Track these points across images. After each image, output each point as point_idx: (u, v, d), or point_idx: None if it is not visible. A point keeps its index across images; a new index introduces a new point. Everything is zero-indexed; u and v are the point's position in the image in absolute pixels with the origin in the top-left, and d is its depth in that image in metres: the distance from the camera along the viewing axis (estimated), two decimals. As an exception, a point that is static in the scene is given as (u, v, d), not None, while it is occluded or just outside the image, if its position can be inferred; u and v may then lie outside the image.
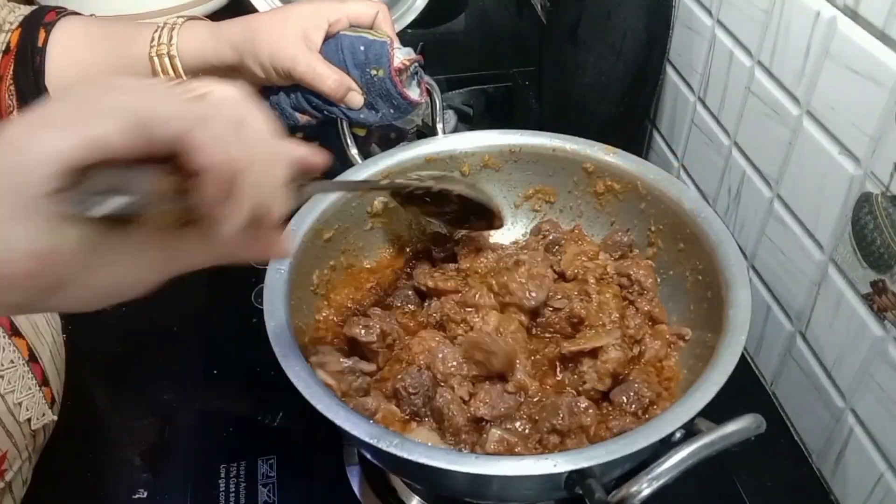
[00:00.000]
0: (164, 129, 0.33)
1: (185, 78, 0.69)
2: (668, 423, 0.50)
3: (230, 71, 0.70)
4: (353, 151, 0.77)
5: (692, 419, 0.50)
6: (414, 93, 0.74)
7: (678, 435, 0.50)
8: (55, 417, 0.64)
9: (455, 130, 0.99)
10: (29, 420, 0.60)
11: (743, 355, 0.55)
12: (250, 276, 0.83)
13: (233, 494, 0.66)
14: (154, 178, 0.33)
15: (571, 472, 0.48)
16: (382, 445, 0.49)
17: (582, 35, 0.95)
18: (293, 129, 0.75)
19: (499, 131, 0.78)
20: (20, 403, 0.59)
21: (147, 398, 0.71)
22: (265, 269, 0.63)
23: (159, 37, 0.69)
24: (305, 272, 0.67)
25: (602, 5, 0.89)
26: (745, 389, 0.75)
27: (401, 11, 1.28)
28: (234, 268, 0.87)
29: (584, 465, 0.48)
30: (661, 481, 0.47)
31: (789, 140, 0.67)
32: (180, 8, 1.33)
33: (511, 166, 0.78)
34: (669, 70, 0.88)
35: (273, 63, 0.68)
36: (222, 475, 0.67)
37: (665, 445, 0.49)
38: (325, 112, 0.72)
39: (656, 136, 0.95)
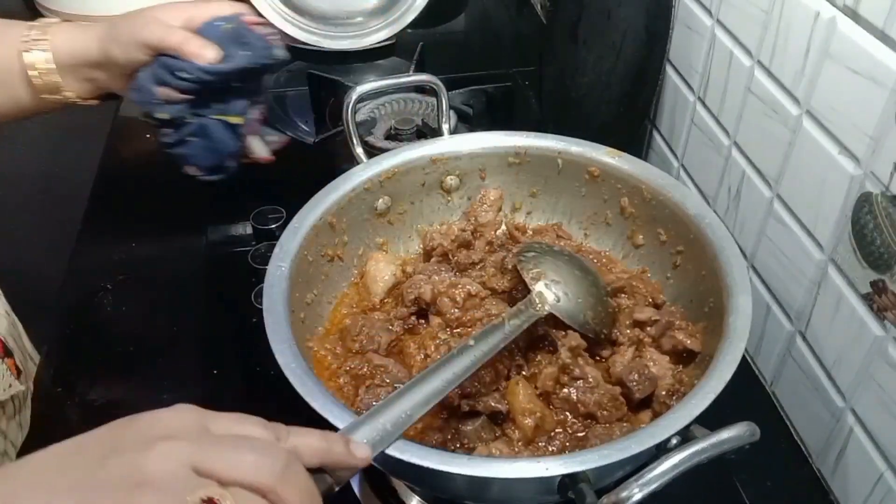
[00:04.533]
0: None
1: (56, 74, 0.70)
2: (663, 429, 0.50)
3: (97, 67, 0.71)
4: (359, 150, 0.77)
5: (687, 426, 0.50)
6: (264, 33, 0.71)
7: (673, 441, 0.50)
8: (22, 387, 0.65)
9: (455, 130, 0.99)
10: None
11: (743, 355, 0.54)
12: (250, 276, 0.82)
13: (233, 494, 0.66)
14: None
15: (564, 476, 0.48)
16: None
17: (582, 35, 0.95)
18: (154, 107, 0.70)
19: (504, 133, 0.78)
20: None
21: (147, 398, 0.71)
22: (265, 269, 0.63)
23: (30, 34, 0.70)
24: (306, 275, 0.67)
25: (602, 5, 0.89)
26: (745, 389, 0.75)
27: (401, 11, 1.28)
28: (234, 268, 0.88)
29: (577, 469, 0.48)
30: (652, 487, 0.47)
31: (789, 140, 0.67)
32: (180, 8, 1.33)
33: (515, 168, 0.78)
34: (669, 70, 0.88)
35: (132, 37, 0.68)
36: (222, 475, 0.67)
37: (660, 451, 0.49)
38: (180, 75, 0.68)
39: (656, 135, 0.95)
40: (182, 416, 0.40)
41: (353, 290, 0.73)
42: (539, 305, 0.61)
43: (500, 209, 0.78)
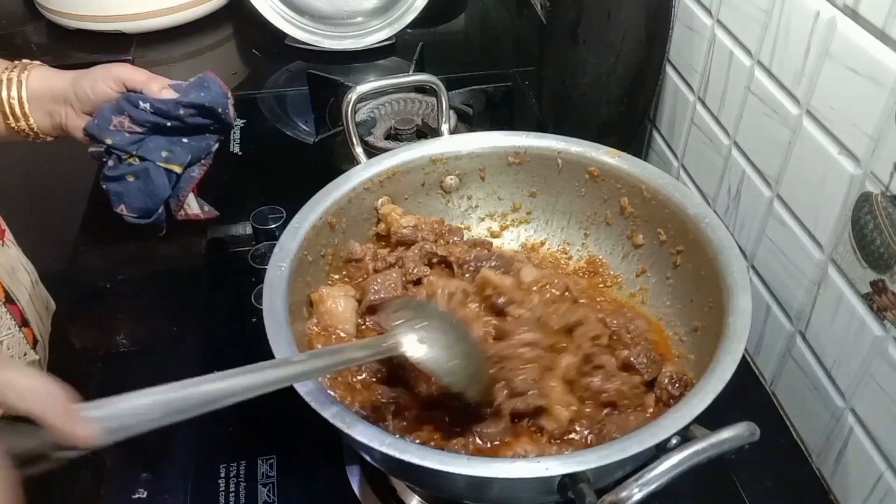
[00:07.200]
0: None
1: (25, 103, 0.75)
2: (663, 428, 0.50)
3: (63, 102, 0.76)
4: (359, 150, 0.77)
5: (687, 426, 0.50)
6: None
7: (673, 441, 0.50)
8: (38, 357, 0.68)
9: (455, 130, 0.99)
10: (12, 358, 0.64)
11: (743, 355, 0.54)
12: (250, 276, 0.83)
13: (233, 494, 0.66)
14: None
15: (564, 476, 0.48)
16: (375, 445, 0.49)
17: (582, 35, 0.95)
18: (105, 132, 0.75)
19: (504, 133, 0.78)
20: (1, 342, 0.62)
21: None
22: (265, 269, 0.63)
23: (14, 70, 0.76)
24: (306, 275, 0.67)
25: (602, 5, 0.89)
26: (745, 389, 0.75)
27: (400, 11, 1.28)
28: (234, 268, 0.88)
29: (576, 469, 0.48)
30: (652, 486, 0.47)
31: (789, 140, 0.67)
32: (180, 8, 1.33)
33: (515, 168, 0.78)
34: (669, 70, 0.88)
35: (104, 72, 0.76)
36: (222, 475, 0.67)
37: (660, 451, 0.49)
38: (139, 105, 0.74)
39: (656, 135, 0.95)
40: None
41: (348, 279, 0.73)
42: (397, 346, 0.55)
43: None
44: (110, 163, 0.75)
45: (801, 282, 0.68)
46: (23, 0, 1.42)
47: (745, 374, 0.77)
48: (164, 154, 0.75)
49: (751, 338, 0.57)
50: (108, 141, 0.74)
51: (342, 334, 0.66)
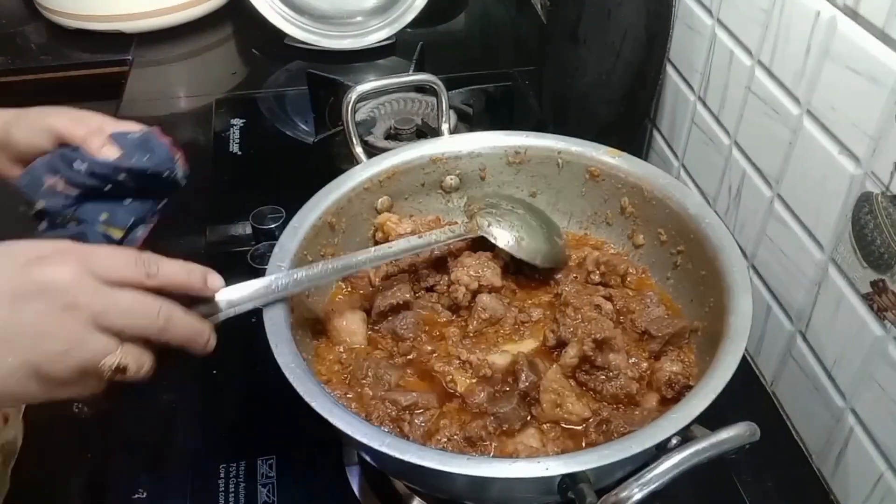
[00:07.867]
0: None
1: None
2: (663, 429, 0.50)
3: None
4: (358, 150, 0.77)
5: (687, 426, 0.50)
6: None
7: (673, 441, 0.50)
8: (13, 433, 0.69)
9: (455, 130, 0.99)
10: None
11: (743, 355, 0.54)
12: (250, 276, 0.82)
13: (232, 494, 0.66)
14: None
15: (564, 476, 0.48)
16: (375, 444, 0.49)
17: (582, 34, 0.95)
18: (37, 195, 0.64)
19: (504, 132, 0.78)
20: None
21: (147, 398, 0.71)
22: (265, 269, 0.63)
23: None
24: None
25: (602, 5, 0.89)
26: (746, 389, 0.75)
27: (400, 11, 1.28)
28: (233, 268, 0.88)
29: (576, 469, 0.48)
30: (652, 487, 0.46)
31: (789, 140, 0.67)
32: (180, 7, 1.33)
33: (515, 167, 0.78)
34: (669, 69, 0.88)
35: (39, 120, 0.66)
36: (222, 475, 0.67)
37: (660, 451, 0.49)
38: (74, 165, 0.63)
39: (656, 135, 0.95)
40: (70, 269, 0.47)
41: (351, 289, 0.73)
42: (475, 228, 0.69)
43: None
44: (42, 226, 0.65)
45: (801, 282, 0.67)
46: (22, 0, 1.42)
47: (746, 374, 0.77)
48: (102, 217, 0.65)
49: (751, 338, 0.56)
50: (40, 206, 0.63)
51: (354, 346, 0.66)
